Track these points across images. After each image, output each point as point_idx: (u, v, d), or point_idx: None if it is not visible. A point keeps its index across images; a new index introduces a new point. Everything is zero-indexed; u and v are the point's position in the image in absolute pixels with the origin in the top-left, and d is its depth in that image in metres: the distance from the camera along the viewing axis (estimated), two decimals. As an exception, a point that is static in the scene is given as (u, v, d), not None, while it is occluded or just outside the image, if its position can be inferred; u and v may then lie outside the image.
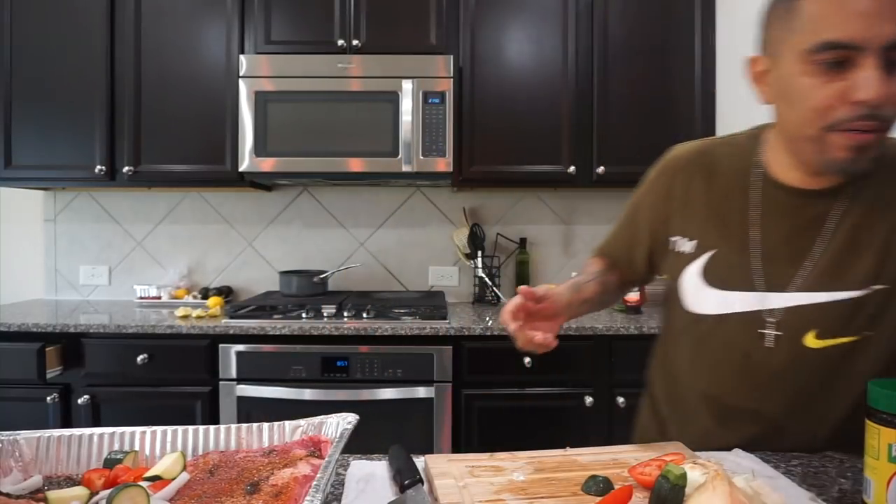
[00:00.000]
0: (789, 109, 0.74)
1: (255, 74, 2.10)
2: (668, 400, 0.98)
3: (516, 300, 0.82)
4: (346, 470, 0.78)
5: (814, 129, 0.70)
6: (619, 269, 1.05)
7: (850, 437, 0.75)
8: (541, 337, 0.80)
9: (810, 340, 0.78)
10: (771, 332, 0.80)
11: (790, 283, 0.79)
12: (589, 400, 1.93)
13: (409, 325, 1.93)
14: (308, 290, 2.29)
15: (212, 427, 0.75)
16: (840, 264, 0.77)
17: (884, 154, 0.75)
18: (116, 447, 0.73)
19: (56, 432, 0.72)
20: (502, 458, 0.78)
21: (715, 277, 0.85)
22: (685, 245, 0.88)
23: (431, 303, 2.15)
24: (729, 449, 0.82)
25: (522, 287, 0.82)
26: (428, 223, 2.58)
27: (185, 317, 2.07)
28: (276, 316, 2.03)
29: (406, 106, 2.09)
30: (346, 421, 0.73)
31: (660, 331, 1.04)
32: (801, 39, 0.69)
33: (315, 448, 0.72)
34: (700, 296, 0.86)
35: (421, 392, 1.91)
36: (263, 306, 2.10)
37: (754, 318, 0.82)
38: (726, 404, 0.87)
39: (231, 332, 1.93)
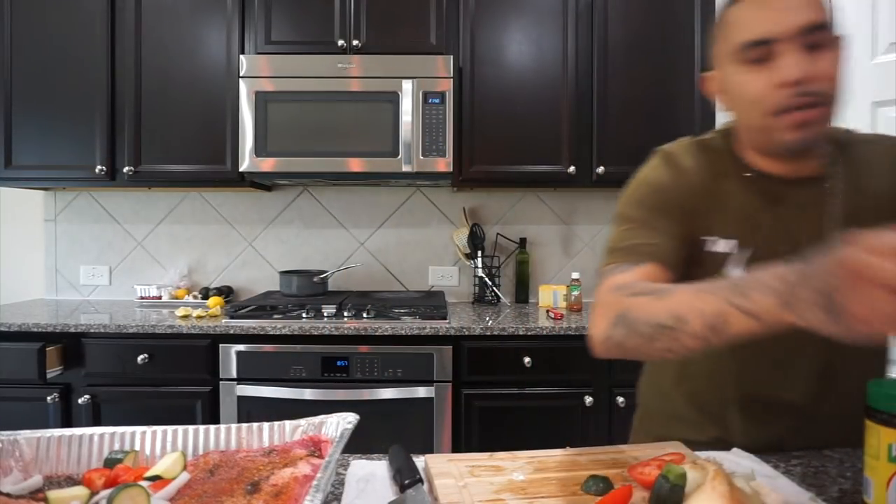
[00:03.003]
0: (737, 108, 0.81)
1: (255, 74, 2.10)
2: (689, 404, 0.92)
3: None
4: (346, 470, 0.78)
5: (758, 119, 0.77)
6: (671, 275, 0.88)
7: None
8: None
9: None
10: None
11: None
12: (589, 400, 1.93)
13: (408, 325, 1.93)
14: (308, 290, 2.29)
15: (212, 427, 0.75)
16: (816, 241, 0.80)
17: (848, 141, 0.84)
18: (116, 447, 0.73)
19: (56, 432, 0.72)
20: (502, 458, 0.78)
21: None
22: (720, 245, 0.85)
23: (431, 303, 2.15)
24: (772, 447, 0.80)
25: None
26: (428, 223, 2.58)
27: (186, 317, 2.07)
28: (276, 316, 2.03)
29: (406, 106, 2.09)
30: (346, 421, 0.73)
31: None
32: (730, 45, 0.78)
33: (315, 448, 0.72)
34: None
35: (421, 392, 1.91)
36: (263, 306, 2.10)
37: None
38: (764, 400, 0.86)
39: (231, 331, 1.93)
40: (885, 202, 0.81)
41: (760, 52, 0.75)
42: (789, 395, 0.85)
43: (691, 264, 0.85)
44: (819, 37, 0.73)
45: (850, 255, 0.49)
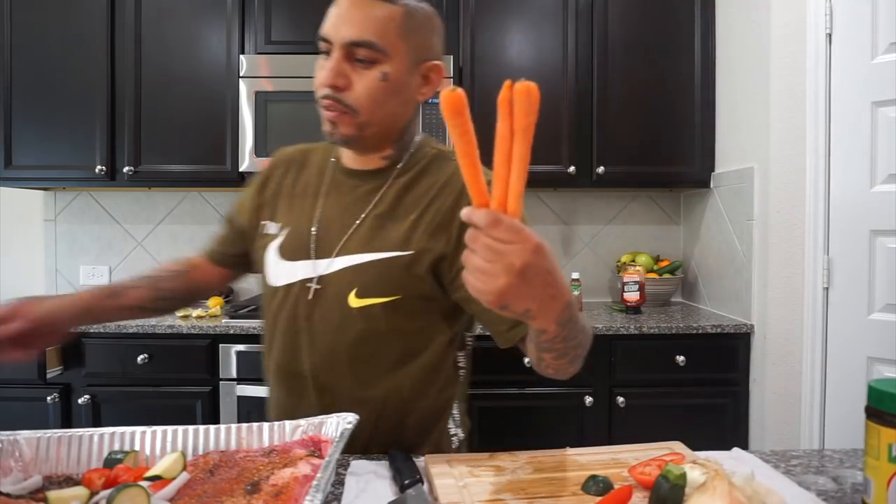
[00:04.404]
0: None
1: (255, 74, 2.10)
2: (267, 375, 0.99)
3: None
4: (346, 470, 0.78)
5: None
6: (218, 265, 1.06)
7: (402, 392, 0.89)
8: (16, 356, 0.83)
9: (352, 300, 0.86)
10: (317, 291, 0.88)
11: (335, 249, 0.88)
12: (589, 400, 1.93)
13: (409, 325, 1.93)
14: (308, 290, 2.29)
15: (212, 427, 0.75)
16: (378, 230, 0.88)
17: (424, 150, 0.94)
18: (116, 447, 0.73)
19: (56, 432, 0.72)
20: (502, 458, 0.78)
21: (286, 251, 0.92)
22: (272, 228, 0.95)
23: (431, 303, 2.14)
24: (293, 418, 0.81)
25: None
26: (428, 223, 2.58)
27: (186, 317, 2.07)
28: (276, 316, 2.02)
29: (406, 106, 2.09)
30: (346, 421, 0.73)
31: None
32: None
33: (315, 448, 0.72)
34: (276, 269, 0.93)
35: (421, 392, 1.91)
36: (261, 306, 2.10)
37: (306, 284, 0.89)
38: (291, 373, 0.91)
39: (231, 331, 1.93)
40: (440, 219, 0.86)
41: (324, 46, 0.83)
42: (318, 372, 0.89)
43: (256, 247, 0.98)
44: (364, 54, 0.81)
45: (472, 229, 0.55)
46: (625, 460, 0.77)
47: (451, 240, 0.85)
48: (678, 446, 0.81)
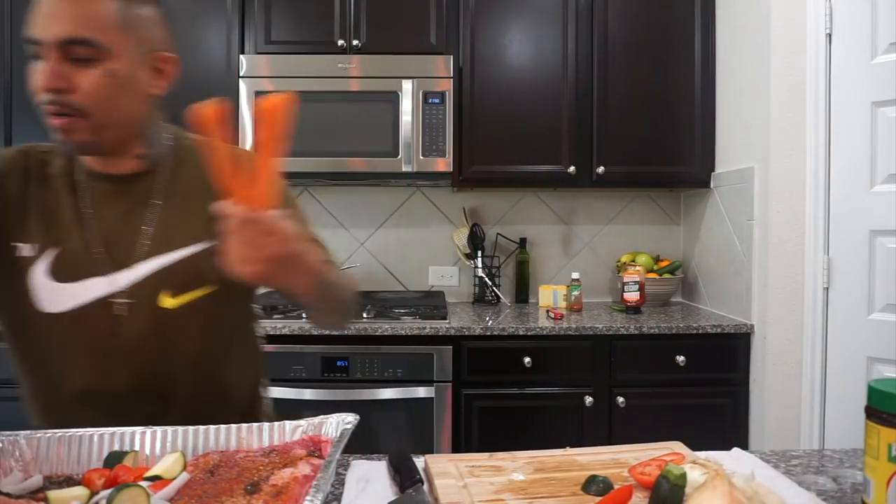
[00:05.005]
0: None
1: (255, 74, 2.10)
2: (50, 409, 0.92)
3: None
4: (346, 470, 0.78)
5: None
6: None
7: (230, 374, 0.93)
8: None
9: (167, 301, 0.86)
10: (124, 305, 0.85)
11: (132, 256, 0.86)
12: (589, 400, 1.93)
13: (409, 324, 1.93)
14: (308, 290, 2.29)
15: (212, 427, 0.75)
16: (174, 228, 0.88)
17: (182, 143, 0.93)
18: (116, 447, 0.73)
19: (56, 432, 0.72)
20: (502, 458, 0.78)
21: (62, 273, 0.85)
22: (27, 250, 0.85)
23: (431, 303, 2.15)
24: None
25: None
26: (428, 223, 2.58)
27: (186, 317, 2.07)
28: (276, 316, 2.02)
29: (406, 106, 2.09)
30: (345, 421, 0.73)
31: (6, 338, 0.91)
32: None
33: (315, 448, 0.72)
34: (52, 294, 0.85)
35: (421, 392, 1.91)
36: (263, 306, 2.10)
37: (109, 300, 0.85)
38: (105, 395, 0.87)
39: (231, 332, 1.93)
40: (196, 204, 0.88)
41: (35, 49, 0.78)
42: (143, 383, 0.88)
43: (4, 275, 0.85)
44: (83, 52, 0.77)
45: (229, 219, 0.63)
46: (625, 460, 0.77)
47: None
48: (678, 446, 0.81)
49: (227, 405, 0.95)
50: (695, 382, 1.97)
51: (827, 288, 1.82)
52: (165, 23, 0.89)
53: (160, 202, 0.88)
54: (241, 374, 0.98)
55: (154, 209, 0.88)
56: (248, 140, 2.10)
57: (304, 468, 0.67)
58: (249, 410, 1.00)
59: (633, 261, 2.40)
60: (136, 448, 0.73)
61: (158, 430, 0.75)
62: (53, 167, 0.89)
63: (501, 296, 2.50)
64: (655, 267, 2.41)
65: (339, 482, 0.75)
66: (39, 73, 0.77)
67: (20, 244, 0.85)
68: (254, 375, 1.02)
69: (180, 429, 0.75)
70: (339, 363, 1.91)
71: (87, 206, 0.87)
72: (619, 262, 2.48)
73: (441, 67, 2.10)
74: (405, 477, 0.71)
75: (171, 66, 0.88)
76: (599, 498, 0.65)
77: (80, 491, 0.63)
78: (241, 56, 2.11)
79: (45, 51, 0.77)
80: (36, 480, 0.67)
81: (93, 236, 0.86)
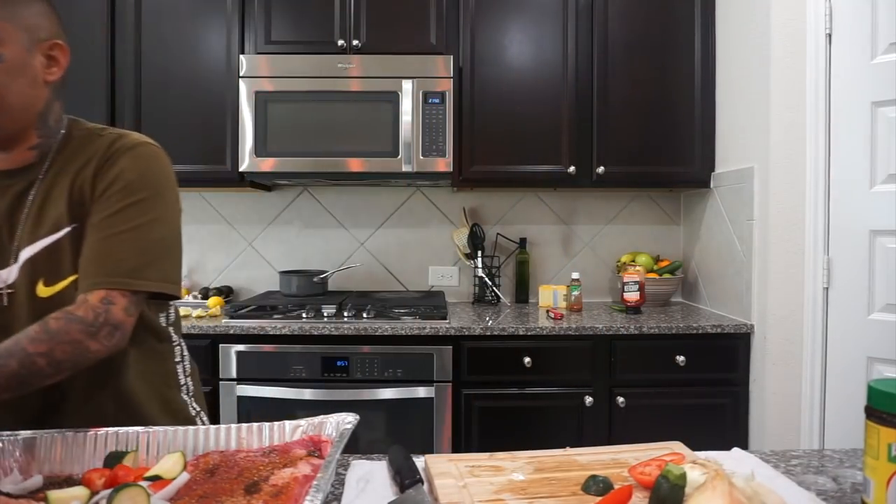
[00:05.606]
0: None
1: (255, 74, 2.10)
2: None
3: None
4: (346, 470, 0.78)
5: None
6: None
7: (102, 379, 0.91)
8: None
9: (41, 290, 0.87)
10: (4, 295, 0.87)
11: (13, 250, 0.88)
12: (589, 400, 1.93)
13: (409, 325, 1.93)
14: (308, 290, 2.29)
15: (212, 427, 0.75)
16: (40, 217, 0.88)
17: (72, 133, 0.95)
18: (116, 447, 0.73)
19: (56, 432, 0.72)
20: (502, 458, 0.78)
21: None
22: None
23: (431, 303, 2.15)
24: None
25: None
26: (428, 223, 2.58)
27: (186, 316, 2.07)
28: (276, 316, 2.03)
29: (406, 106, 2.09)
30: (345, 421, 0.73)
31: None
32: None
33: (315, 448, 0.72)
34: None
35: (421, 392, 1.91)
36: (263, 306, 2.10)
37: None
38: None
39: (231, 331, 1.93)
40: (63, 192, 0.89)
41: None
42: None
43: None
44: None
45: None
46: (625, 460, 0.77)
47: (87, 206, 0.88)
48: (678, 446, 0.81)
49: (125, 407, 0.93)
50: (695, 382, 1.97)
51: (827, 288, 1.82)
52: (54, 12, 0.93)
53: (38, 193, 0.89)
54: (142, 381, 0.96)
55: (31, 201, 0.89)
56: (248, 140, 2.10)
57: (304, 468, 0.67)
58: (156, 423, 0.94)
59: (633, 261, 2.40)
60: (136, 448, 0.73)
61: (158, 429, 0.75)
62: None
63: (501, 296, 2.50)
64: (655, 267, 2.41)
65: (339, 482, 0.75)
66: None
67: None
68: (161, 386, 1.01)
69: (180, 429, 0.75)
70: (339, 363, 1.91)
71: None
72: (619, 262, 2.48)
73: (441, 67, 2.10)
74: (405, 477, 0.71)
75: (62, 53, 0.91)
76: (599, 498, 0.65)
77: (80, 491, 0.63)
78: (241, 56, 2.11)
79: None
80: (36, 480, 0.67)
81: None
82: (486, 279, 2.45)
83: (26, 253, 0.87)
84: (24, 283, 0.87)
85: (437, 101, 2.09)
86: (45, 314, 0.83)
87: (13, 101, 0.84)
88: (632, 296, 2.19)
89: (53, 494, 0.61)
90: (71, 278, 0.88)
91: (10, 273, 0.88)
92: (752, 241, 1.97)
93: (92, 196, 0.88)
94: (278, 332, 1.91)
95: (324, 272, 2.35)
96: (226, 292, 2.46)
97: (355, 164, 2.10)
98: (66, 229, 0.87)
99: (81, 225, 0.87)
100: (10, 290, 0.88)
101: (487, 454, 0.79)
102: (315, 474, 0.65)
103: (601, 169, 2.22)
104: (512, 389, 1.95)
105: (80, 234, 0.87)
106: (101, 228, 0.86)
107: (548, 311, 2.22)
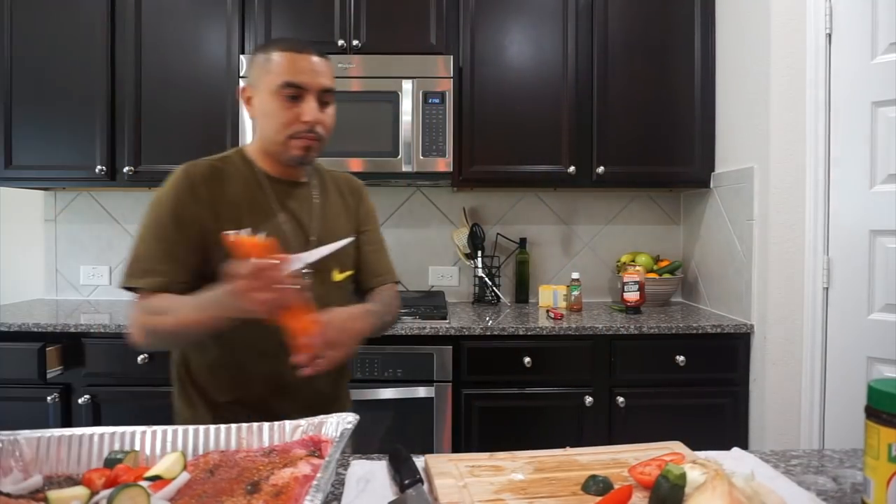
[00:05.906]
0: (267, 124, 1.10)
1: (255, 74, 2.09)
2: (232, 387, 1.11)
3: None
4: (346, 470, 0.78)
5: (281, 137, 1.09)
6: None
7: None
8: None
9: (336, 276, 1.17)
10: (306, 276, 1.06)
11: (309, 241, 1.13)
12: (589, 400, 1.93)
13: (409, 324, 1.93)
14: (308, 290, 2.29)
15: (212, 427, 0.75)
16: (335, 219, 1.20)
17: (320, 167, 1.26)
18: (117, 447, 0.73)
19: (56, 432, 0.72)
20: (502, 458, 0.78)
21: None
22: (243, 233, 0.98)
23: (431, 303, 2.15)
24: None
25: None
26: (428, 223, 2.58)
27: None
28: (276, 316, 2.02)
29: (406, 106, 2.09)
30: (346, 421, 0.73)
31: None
32: (273, 79, 1.07)
33: (315, 448, 0.72)
34: None
35: (421, 392, 1.91)
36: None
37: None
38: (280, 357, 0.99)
39: (231, 332, 1.93)
40: (341, 209, 1.24)
41: (294, 92, 1.07)
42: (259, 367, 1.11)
43: (217, 255, 1.01)
44: (328, 97, 1.11)
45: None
46: (625, 460, 0.77)
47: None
48: (678, 446, 0.81)
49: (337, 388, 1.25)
50: (695, 382, 1.97)
51: (827, 288, 1.82)
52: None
53: (321, 204, 1.18)
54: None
55: (316, 209, 1.18)
56: (248, 140, 2.10)
57: (304, 468, 0.67)
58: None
59: (633, 261, 2.40)
60: (136, 448, 0.73)
61: (158, 429, 0.75)
62: (230, 169, 1.13)
63: (501, 296, 2.50)
64: (655, 267, 2.41)
65: (339, 482, 0.75)
66: (301, 110, 1.07)
67: (234, 232, 0.97)
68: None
69: (180, 428, 0.75)
70: (339, 363, 1.91)
71: (277, 202, 1.13)
72: (618, 262, 2.48)
73: (441, 67, 2.10)
74: (405, 477, 0.71)
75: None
76: (599, 498, 0.65)
77: (80, 491, 0.63)
78: (241, 56, 2.11)
79: (307, 94, 1.07)
80: (36, 480, 0.67)
81: (286, 225, 1.13)
82: (486, 279, 2.45)
83: (323, 250, 1.03)
84: (324, 267, 1.09)
85: (437, 101, 2.09)
86: (338, 293, 1.16)
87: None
88: (632, 296, 2.19)
89: (53, 494, 0.62)
90: (352, 271, 1.22)
91: (310, 255, 1.00)
92: (752, 241, 1.97)
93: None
94: (278, 332, 1.91)
95: (324, 272, 2.35)
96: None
97: (355, 164, 2.10)
98: (351, 238, 1.15)
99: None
100: (309, 272, 1.07)
101: (487, 454, 0.79)
102: (315, 474, 0.65)
103: (601, 169, 2.22)
104: (512, 389, 1.95)
105: (357, 241, 1.24)
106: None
107: (548, 311, 2.22)
